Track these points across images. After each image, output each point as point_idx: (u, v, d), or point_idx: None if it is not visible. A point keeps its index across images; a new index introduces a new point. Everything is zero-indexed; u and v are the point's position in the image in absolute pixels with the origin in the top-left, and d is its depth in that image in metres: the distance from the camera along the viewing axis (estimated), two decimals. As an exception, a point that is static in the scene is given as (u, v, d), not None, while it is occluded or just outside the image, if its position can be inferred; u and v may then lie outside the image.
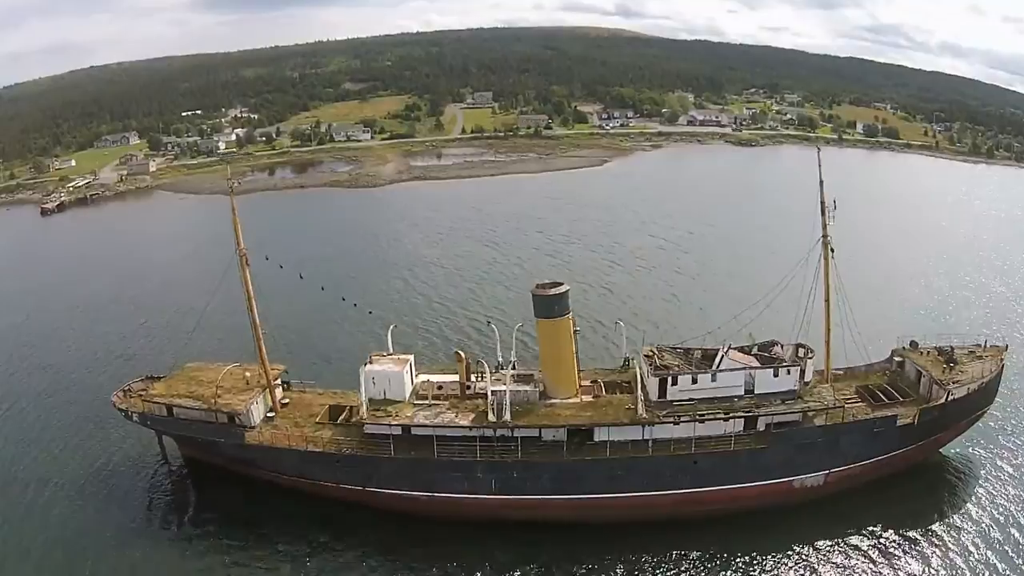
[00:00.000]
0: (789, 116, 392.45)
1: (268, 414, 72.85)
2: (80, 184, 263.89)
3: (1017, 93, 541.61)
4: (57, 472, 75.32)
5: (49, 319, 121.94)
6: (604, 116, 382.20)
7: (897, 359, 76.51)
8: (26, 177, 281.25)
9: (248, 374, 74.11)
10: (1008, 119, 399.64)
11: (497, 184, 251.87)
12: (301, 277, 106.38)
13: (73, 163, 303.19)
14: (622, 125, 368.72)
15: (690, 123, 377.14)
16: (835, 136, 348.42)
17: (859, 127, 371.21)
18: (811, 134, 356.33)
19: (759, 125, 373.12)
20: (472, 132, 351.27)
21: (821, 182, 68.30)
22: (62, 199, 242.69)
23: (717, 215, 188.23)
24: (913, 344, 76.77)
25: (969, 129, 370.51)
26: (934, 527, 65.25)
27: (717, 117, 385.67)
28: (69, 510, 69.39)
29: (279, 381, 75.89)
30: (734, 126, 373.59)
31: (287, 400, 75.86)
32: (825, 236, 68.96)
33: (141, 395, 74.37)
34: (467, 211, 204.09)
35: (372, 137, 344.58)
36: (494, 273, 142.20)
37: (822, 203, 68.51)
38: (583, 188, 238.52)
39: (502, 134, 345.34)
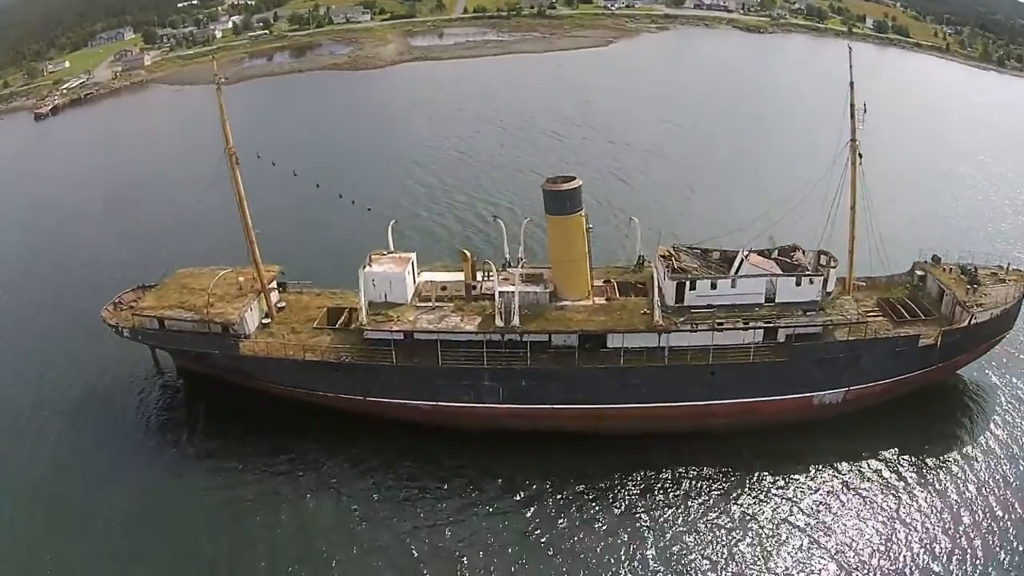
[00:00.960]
0: (798, 5, 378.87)
1: (264, 320, 69.67)
2: (74, 85, 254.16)
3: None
4: (53, 393, 72.45)
5: (42, 229, 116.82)
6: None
7: (919, 272, 73.69)
8: (20, 84, 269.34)
9: (242, 279, 70.31)
10: (1018, 30, 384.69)
11: (501, 64, 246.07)
12: (295, 174, 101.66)
13: (67, 65, 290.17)
14: (627, 6, 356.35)
15: (696, 6, 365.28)
16: (844, 29, 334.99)
17: (869, 22, 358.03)
18: (820, 24, 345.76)
19: (767, 12, 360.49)
20: (474, 12, 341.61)
21: (851, 83, 64.46)
22: (56, 102, 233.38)
23: (730, 102, 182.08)
24: (935, 259, 73.81)
25: (980, 35, 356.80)
26: (953, 448, 63.55)
27: (724, 2, 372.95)
28: (65, 433, 66.67)
29: (274, 284, 72.55)
30: (742, 11, 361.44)
31: (283, 304, 72.66)
32: (854, 140, 65.28)
33: (132, 307, 70.61)
34: (470, 92, 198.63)
35: (372, 18, 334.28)
36: (500, 160, 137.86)
37: (852, 106, 64.60)
38: (589, 69, 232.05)
39: (505, 13, 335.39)
